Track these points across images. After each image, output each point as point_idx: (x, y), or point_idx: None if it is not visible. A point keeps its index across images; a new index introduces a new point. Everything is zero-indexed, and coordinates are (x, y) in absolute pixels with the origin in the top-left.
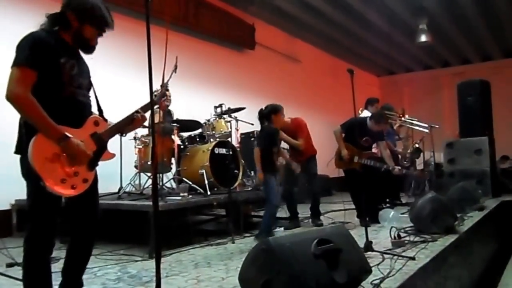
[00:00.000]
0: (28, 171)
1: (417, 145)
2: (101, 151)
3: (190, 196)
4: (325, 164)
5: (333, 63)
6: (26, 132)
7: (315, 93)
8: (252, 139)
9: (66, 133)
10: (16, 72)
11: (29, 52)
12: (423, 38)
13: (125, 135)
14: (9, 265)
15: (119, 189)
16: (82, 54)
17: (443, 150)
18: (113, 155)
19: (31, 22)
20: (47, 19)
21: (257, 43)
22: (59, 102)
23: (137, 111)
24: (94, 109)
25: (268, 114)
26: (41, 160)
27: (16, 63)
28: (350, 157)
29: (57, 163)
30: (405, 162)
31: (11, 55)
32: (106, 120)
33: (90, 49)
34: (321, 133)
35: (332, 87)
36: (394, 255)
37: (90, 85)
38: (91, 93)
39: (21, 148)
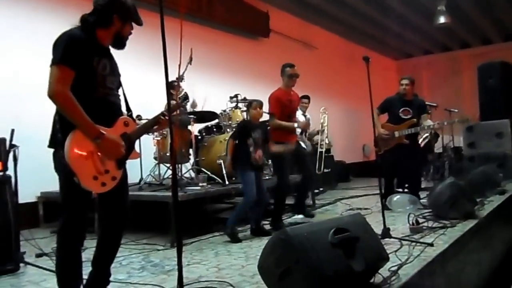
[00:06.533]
0: (61, 166)
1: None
2: (129, 151)
3: (209, 186)
4: (344, 150)
5: (349, 48)
6: (60, 128)
7: (331, 79)
8: (269, 127)
9: (102, 131)
10: (55, 71)
11: (65, 51)
12: (442, 19)
13: (151, 134)
14: (38, 256)
15: (140, 180)
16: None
17: (463, 134)
18: (139, 155)
19: (62, 23)
20: (83, 19)
21: (271, 30)
22: (92, 102)
23: (162, 113)
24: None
25: (246, 109)
26: (76, 157)
27: (54, 62)
28: (391, 133)
29: (90, 160)
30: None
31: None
32: (134, 120)
33: (123, 46)
34: (337, 119)
35: (349, 73)
36: (412, 241)
37: (119, 84)
38: (120, 91)
39: (55, 142)
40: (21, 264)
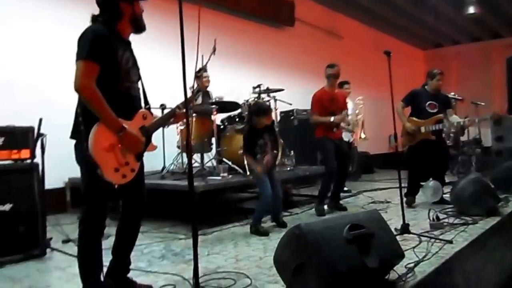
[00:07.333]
0: (84, 158)
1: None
2: (147, 144)
3: (230, 176)
4: (369, 141)
5: (376, 37)
6: (83, 121)
7: (357, 69)
8: (292, 117)
9: (124, 125)
10: (81, 66)
11: (91, 46)
12: (471, 10)
13: (167, 127)
14: (65, 241)
15: (163, 169)
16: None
17: (491, 127)
18: (156, 147)
19: (90, 12)
20: (94, 19)
21: (296, 19)
22: (115, 96)
23: (178, 107)
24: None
25: (251, 114)
26: (99, 150)
27: (80, 57)
28: (416, 128)
29: (112, 153)
30: (448, 142)
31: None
32: (152, 114)
33: (143, 28)
34: (364, 110)
35: (375, 62)
36: (431, 238)
37: (139, 76)
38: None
39: (77, 134)
40: (48, 250)
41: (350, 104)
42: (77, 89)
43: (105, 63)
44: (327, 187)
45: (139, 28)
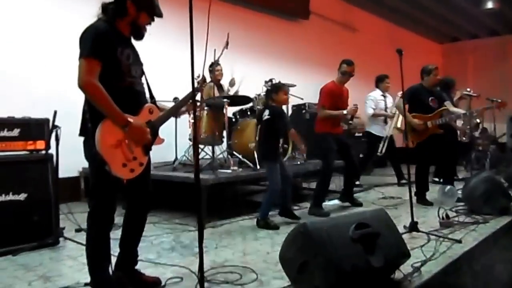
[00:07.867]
0: (92, 155)
1: (477, 120)
2: (154, 137)
3: (240, 169)
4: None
5: (392, 30)
6: (90, 119)
7: (372, 63)
8: (304, 111)
9: (129, 119)
10: (84, 63)
11: (92, 43)
12: (489, 5)
13: (180, 117)
14: (77, 231)
15: (174, 160)
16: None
17: (507, 123)
18: (163, 140)
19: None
20: (104, 8)
21: (311, 12)
22: (119, 91)
23: (187, 98)
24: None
25: (269, 93)
26: (106, 146)
27: (83, 55)
28: (423, 124)
29: (119, 149)
30: (464, 138)
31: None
32: (158, 108)
33: (141, 37)
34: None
35: (390, 56)
36: (440, 236)
37: (142, 72)
38: (143, 80)
39: (85, 132)
40: (61, 239)
41: (389, 98)
42: (81, 86)
43: (106, 59)
44: (325, 186)
45: (137, 35)
